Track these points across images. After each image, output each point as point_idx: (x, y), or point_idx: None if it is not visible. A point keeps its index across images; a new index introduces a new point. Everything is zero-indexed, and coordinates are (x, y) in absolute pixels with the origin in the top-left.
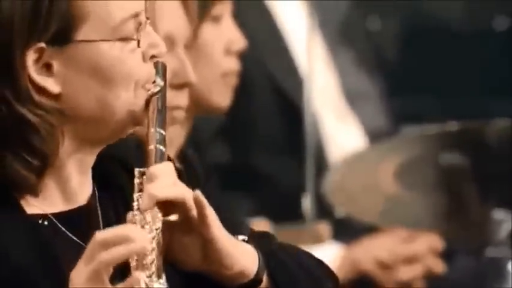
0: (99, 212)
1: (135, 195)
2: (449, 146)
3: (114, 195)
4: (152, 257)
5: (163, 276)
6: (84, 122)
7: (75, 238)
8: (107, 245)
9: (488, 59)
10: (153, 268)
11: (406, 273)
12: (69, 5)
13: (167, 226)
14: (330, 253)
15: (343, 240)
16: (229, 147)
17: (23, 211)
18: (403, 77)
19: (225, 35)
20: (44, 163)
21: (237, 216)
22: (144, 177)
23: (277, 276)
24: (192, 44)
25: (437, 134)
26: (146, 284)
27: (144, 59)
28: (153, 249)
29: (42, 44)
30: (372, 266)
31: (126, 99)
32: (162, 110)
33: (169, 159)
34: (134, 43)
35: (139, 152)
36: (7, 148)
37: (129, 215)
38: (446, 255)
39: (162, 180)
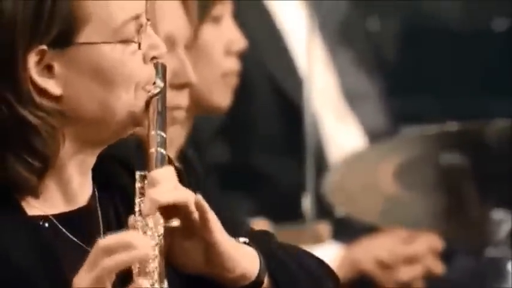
0: (99, 212)
1: (137, 200)
2: (449, 146)
3: (114, 195)
4: (155, 264)
5: (166, 282)
6: (85, 124)
7: (75, 239)
8: (109, 251)
9: (488, 59)
10: (156, 275)
11: (406, 273)
12: (71, 8)
13: (169, 230)
14: (329, 253)
15: (343, 240)
16: (229, 147)
17: (24, 212)
18: (402, 77)
19: (225, 36)
20: (45, 165)
21: (237, 215)
22: (146, 181)
23: (278, 277)
24: (193, 44)
25: (437, 134)
26: None
27: (144, 61)
28: (155, 256)
29: (44, 46)
30: (371, 265)
31: (127, 101)
32: (163, 112)
33: (169, 160)
34: (135, 45)
35: (139, 152)
36: (8, 150)
37: (131, 219)
38: (446, 255)
39: (164, 185)
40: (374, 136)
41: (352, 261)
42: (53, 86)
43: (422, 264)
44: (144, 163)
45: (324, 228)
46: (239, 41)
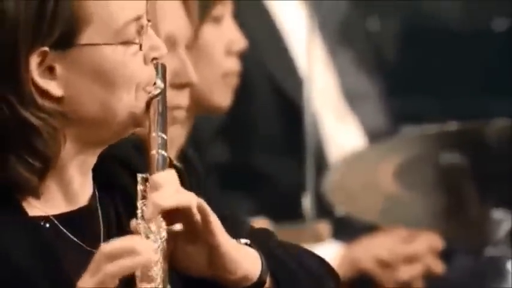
0: (100, 212)
1: (139, 203)
2: (449, 145)
3: (114, 195)
4: (158, 269)
5: (169, 287)
6: (86, 125)
7: (76, 239)
8: (113, 257)
9: (488, 59)
10: (159, 279)
11: (405, 272)
12: (73, 9)
13: (171, 234)
14: (330, 252)
15: (343, 239)
16: (229, 146)
17: (25, 213)
18: (402, 77)
19: (225, 36)
20: (46, 165)
21: (238, 215)
22: (147, 184)
23: (278, 276)
24: (193, 44)
25: (437, 134)
26: None
27: (145, 62)
28: (158, 261)
29: (46, 48)
30: (371, 265)
31: (128, 102)
32: (163, 113)
33: (170, 161)
34: (136, 46)
35: (138, 151)
36: (10, 151)
37: (133, 223)
38: (446, 254)
39: (166, 189)
40: (374, 136)
41: (352, 260)
42: (54, 87)
43: (422, 263)
44: (145, 163)
45: (324, 227)
46: (239, 41)
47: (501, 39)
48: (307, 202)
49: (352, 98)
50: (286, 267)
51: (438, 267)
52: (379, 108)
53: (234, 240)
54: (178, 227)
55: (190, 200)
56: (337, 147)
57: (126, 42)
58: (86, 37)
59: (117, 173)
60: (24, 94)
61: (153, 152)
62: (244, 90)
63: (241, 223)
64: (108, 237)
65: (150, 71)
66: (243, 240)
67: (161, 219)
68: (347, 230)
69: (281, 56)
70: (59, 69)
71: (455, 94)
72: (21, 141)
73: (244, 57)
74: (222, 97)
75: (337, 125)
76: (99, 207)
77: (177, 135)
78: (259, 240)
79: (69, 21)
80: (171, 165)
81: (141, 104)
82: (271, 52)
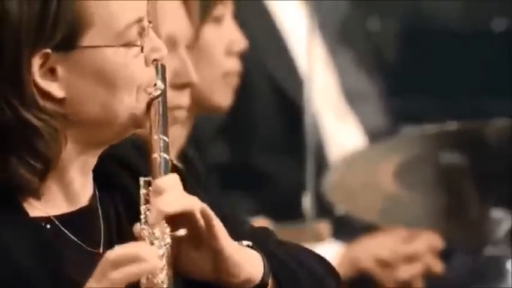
0: (100, 212)
1: (142, 208)
2: (449, 145)
3: (114, 195)
4: (163, 276)
5: None
6: (88, 126)
7: (76, 240)
8: (118, 264)
9: (487, 59)
10: (164, 286)
11: (405, 271)
12: (75, 11)
13: (175, 239)
14: (330, 251)
15: (343, 238)
16: (229, 146)
17: (26, 214)
18: (402, 77)
19: (226, 36)
20: (47, 167)
21: (238, 214)
22: (150, 187)
23: (279, 277)
24: (194, 44)
25: (437, 134)
26: None
27: (146, 63)
28: (163, 268)
29: (48, 50)
30: (371, 264)
31: (129, 103)
32: (164, 114)
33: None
34: (137, 47)
35: (137, 151)
36: (11, 152)
37: (137, 227)
38: (446, 254)
39: (170, 194)
40: (374, 135)
41: (352, 259)
42: (56, 89)
43: (422, 262)
44: (145, 163)
45: (324, 227)
46: (240, 41)
47: (501, 39)
48: (307, 202)
49: (352, 97)
50: (287, 267)
51: (438, 266)
52: (379, 108)
53: (236, 243)
54: (182, 232)
55: (194, 204)
56: (337, 147)
57: (128, 44)
58: (87, 39)
59: (117, 173)
60: (26, 96)
61: (155, 155)
62: (244, 90)
63: (242, 223)
64: (109, 237)
65: (150, 72)
66: (245, 242)
67: (165, 224)
68: (347, 229)
69: (281, 56)
70: (60, 70)
71: (455, 94)
72: (22, 142)
73: (245, 57)
74: (223, 97)
75: (337, 125)
76: (99, 207)
77: (178, 135)
78: (259, 240)
79: (71, 23)
80: (173, 167)
81: (142, 105)
82: (271, 52)
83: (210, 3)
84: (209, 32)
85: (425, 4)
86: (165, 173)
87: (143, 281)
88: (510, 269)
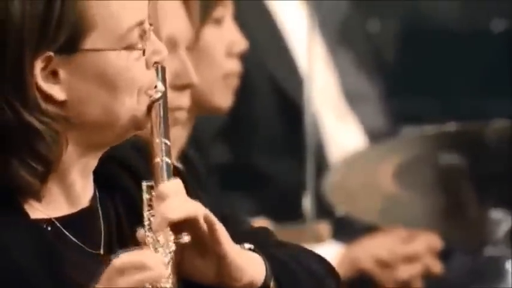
0: (100, 213)
1: (145, 213)
2: (448, 146)
3: (114, 196)
4: (168, 283)
5: None
6: (89, 128)
7: (77, 241)
8: (124, 271)
9: (487, 60)
10: None
11: (405, 272)
12: (78, 15)
13: (179, 245)
14: (330, 252)
15: (343, 239)
16: (230, 147)
17: (27, 216)
18: (402, 78)
19: (226, 37)
20: (48, 169)
21: (238, 214)
22: (153, 192)
23: (280, 278)
24: (194, 45)
25: (436, 135)
26: None
27: (147, 66)
28: (169, 275)
29: (51, 53)
30: (371, 264)
31: (130, 106)
32: (165, 117)
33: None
34: (139, 50)
35: (138, 153)
36: (13, 154)
37: (140, 233)
38: (445, 254)
39: (173, 200)
40: (374, 136)
41: (352, 260)
42: (57, 92)
43: (421, 263)
44: (145, 164)
45: (324, 227)
46: (240, 43)
47: (500, 40)
48: (307, 202)
49: (352, 98)
50: (287, 268)
51: (437, 267)
52: (379, 109)
53: (238, 246)
54: (186, 238)
55: (197, 210)
56: (337, 147)
57: (130, 47)
58: (90, 42)
59: (117, 175)
60: (28, 98)
61: (157, 159)
62: (244, 91)
63: (242, 223)
64: (109, 238)
65: (151, 74)
66: (247, 245)
67: (169, 230)
68: (347, 230)
69: (281, 56)
70: (62, 73)
71: (454, 95)
72: (24, 144)
73: (245, 57)
74: (223, 98)
75: (338, 126)
76: (99, 208)
77: (178, 136)
78: (259, 240)
79: (74, 26)
80: (174, 169)
81: (143, 108)
82: (271, 52)
83: (211, 4)
84: (209, 33)
85: (425, 5)
86: (168, 177)
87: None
88: (509, 269)
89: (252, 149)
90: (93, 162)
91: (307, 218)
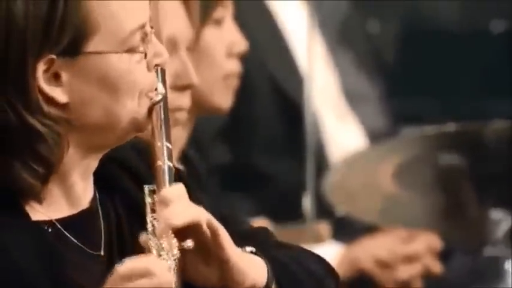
0: (100, 214)
1: (148, 217)
2: (448, 146)
3: (114, 197)
4: None
5: None
6: (90, 131)
7: (78, 243)
8: (128, 278)
9: (486, 60)
10: None
11: (405, 272)
12: (81, 18)
13: (182, 250)
14: (330, 252)
15: (343, 239)
16: (230, 147)
17: (28, 217)
18: (402, 78)
19: (226, 38)
20: (49, 171)
21: (237, 214)
22: (155, 196)
23: (281, 280)
24: (195, 46)
25: (436, 135)
26: None
27: (148, 68)
28: (173, 282)
29: (53, 56)
30: (371, 264)
31: (131, 108)
32: (166, 119)
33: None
34: (140, 53)
35: (138, 154)
36: (15, 156)
37: (143, 237)
38: (445, 254)
39: (177, 206)
40: (374, 136)
41: (352, 260)
42: (59, 94)
43: (421, 263)
44: (146, 167)
45: (324, 227)
46: (240, 43)
47: (499, 40)
48: (307, 202)
49: (352, 98)
50: (288, 270)
51: (437, 267)
52: (379, 109)
53: (239, 250)
54: (189, 243)
55: (201, 216)
56: (337, 147)
57: (132, 50)
58: (92, 45)
59: (117, 176)
60: (30, 101)
61: (159, 163)
62: (245, 91)
63: (241, 223)
64: (109, 239)
65: (152, 77)
66: (248, 249)
67: (173, 235)
68: (347, 230)
69: (282, 56)
70: (64, 76)
71: (454, 95)
72: (26, 147)
73: (245, 57)
74: (223, 99)
75: (338, 126)
76: (99, 209)
77: (179, 136)
78: (259, 241)
79: (77, 29)
80: (176, 171)
81: (144, 110)
82: (271, 52)
83: (211, 4)
84: (210, 33)
85: (425, 6)
86: (170, 181)
87: None
88: (509, 269)
89: (252, 149)
90: (93, 163)
91: (307, 218)
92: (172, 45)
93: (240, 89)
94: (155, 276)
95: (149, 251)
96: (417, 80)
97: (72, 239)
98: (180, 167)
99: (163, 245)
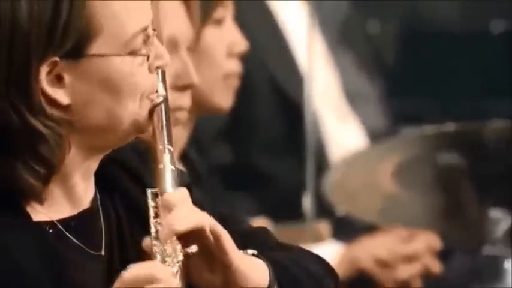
0: (101, 214)
1: (152, 222)
2: (447, 146)
3: (114, 197)
4: None
5: None
6: (91, 132)
7: (78, 243)
8: (133, 284)
9: (486, 61)
10: None
11: (404, 271)
12: (84, 21)
13: (186, 254)
14: (329, 252)
15: (343, 239)
16: (230, 147)
17: (29, 218)
18: (402, 78)
19: (227, 38)
20: (51, 171)
21: (237, 215)
22: (158, 199)
23: (282, 282)
24: (195, 46)
25: (436, 135)
26: None
27: (150, 71)
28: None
29: (56, 58)
30: (371, 264)
31: (132, 110)
32: (167, 121)
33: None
34: (143, 56)
35: (138, 156)
36: (17, 157)
37: (147, 242)
38: (444, 253)
39: (181, 210)
40: (374, 136)
41: (352, 259)
42: (62, 96)
43: (420, 262)
44: (147, 168)
45: (324, 227)
46: (241, 43)
47: (499, 40)
48: (307, 202)
49: (352, 98)
50: (289, 272)
51: (436, 266)
52: (379, 109)
53: (242, 253)
54: (193, 248)
55: (204, 220)
56: (337, 147)
57: (134, 53)
58: (95, 47)
59: (117, 176)
60: (33, 103)
61: (162, 166)
62: (245, 91)
63: (241, 223)
64: (110, 239)
65: (154, 79)
66: (250, 251)
67: (176, 240)
68: (347, 229)
69: (282, 56)
70: (67, 78)
71: (454, 95)
72: (28, 148)
73: (246, 57)
74: (224, 99)
75: (338, 125)
76: (100, 209)
77: (179, 136)
78: (259, 241)
79: (80, 32)
80: (178, 173)
81: (145, 112)
82: (272, 52)
83: (211, 4)
84: (210, 34)
85: (425, 6)
86: (172, 184)
87: None
88: (508, 269)
89: (253, 149)
90: (94, 165)
91: (307, 217)
92: (173, 45)
93: (240, 89)
94: (161, 282)
95: (153, 256)
96: (417, 80)
97: (73, 239)
98: (181, 167)
99: (167, 250)
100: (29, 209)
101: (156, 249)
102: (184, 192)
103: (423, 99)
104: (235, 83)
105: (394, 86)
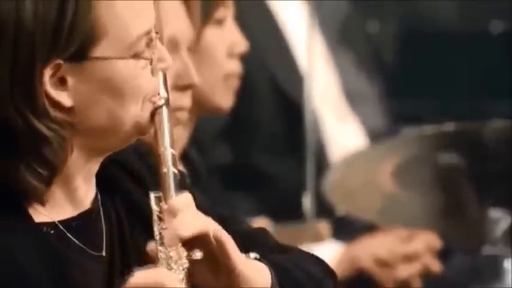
0: (102, 215)
1: (156, 227)
2: (447, 146)
3: (115, 199)
4: None
5: None
6: (94, 134)
7: (80, 244)
8: None
9: (486, 61)
10: None
11: (404, 271)
12: (89, 24)
13: (191, 260)
14: (329, 251)
15: (343, 238)
16: (230, 147)
17: (31, 220)
18: (402, 78)
19: (227, 38)
20: (53, 173)
21: (237, 215)
22: (161, 204)
23: (283, 285)
24: (196, 46)
25: (435, 135)
26: None
27: (152, 73)
28: None
29: (60, 61)
30: (370, 263)
31: (134, 112)
32: (169, 123)
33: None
34: (146, 59)
35: (139, 157)
36: (20, 159)
37: (151, 247)
38: (444, 253)
39: (185, 216)
40: (374, 136)
41: (352, 259)
42: (65, 98)
43: (420, 262)
44: (148, 170)
45: (324, 226)
46: (241, 43)
47: (499, 40)
48: (307, 202)
49: (352, 98)
50: (290, 275)
51: (436, 266)
52: (379, 109)
53: (244, 257)
54: (198, 254)
55: (209, 226)
56: (337, 147)
57: (137, 56)
58: (99, 50)
59: (118, 178)
60: (37, 106)
61: (164, 169)
62: (245, 91)
63: (240, 223)
64: (110, 240)
65: (156, 81)
66: (252, 255)
67: (181, 246)
68: (347, 229)
69: (282, 56)
70: (70, 80)
71: (453, 95)
72: (31, 150)
73: (246, 58)
74: (224, 99)
75: (338, 125)
76: (101, 211)
77: (179, 136)
78: (259, 242)
79: (85, 35)
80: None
81: (146, 114)
82: (272, 52)
83: (212, 5)
84: (211, 34)
85: (424, 6)
86: (175, 188)
87: None
88: (508, 268)
89: (253, 149)
90: (96, 166)
91: (307, 217)
92: (173, 46)
93: (240, 89)
94: None
95: (157, 260)
96: (417, 80)
97: (74, 240)
98: (181, 167)
99: (172, 256)
100: (31, 211)
101: (161, 254)
102: (188, 196)
103: (423, 99)
104: (235, 83)
105: (393, 86)
